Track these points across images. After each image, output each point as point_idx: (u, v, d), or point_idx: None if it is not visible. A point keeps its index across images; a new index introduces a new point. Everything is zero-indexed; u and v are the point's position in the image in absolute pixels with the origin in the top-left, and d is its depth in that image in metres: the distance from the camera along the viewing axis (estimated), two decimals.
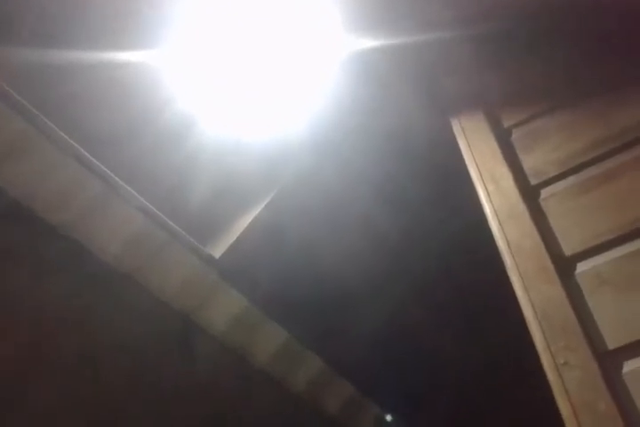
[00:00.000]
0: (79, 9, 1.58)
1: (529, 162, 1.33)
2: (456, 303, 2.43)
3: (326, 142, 1.91)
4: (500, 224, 1.25)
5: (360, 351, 2.40)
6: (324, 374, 2.29)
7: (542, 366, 1.05)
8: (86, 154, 1.54)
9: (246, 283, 1.94)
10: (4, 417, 1.32)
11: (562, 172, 1.27)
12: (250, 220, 1.93)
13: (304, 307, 2.17)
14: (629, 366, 0.98)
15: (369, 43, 1.61)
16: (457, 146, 1.48)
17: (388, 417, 2.63)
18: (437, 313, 2.44)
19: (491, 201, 1.30)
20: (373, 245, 2.18)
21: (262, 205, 1.96)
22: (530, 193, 1.27)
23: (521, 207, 1.25)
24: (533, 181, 1.29)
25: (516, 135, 1.41)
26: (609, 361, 1.00)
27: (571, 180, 1.25)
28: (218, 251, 1.89)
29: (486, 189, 1.33)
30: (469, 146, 1.44)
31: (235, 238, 1.91)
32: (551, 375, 1.02)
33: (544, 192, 1.26)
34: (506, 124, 1.44)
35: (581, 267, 1.12)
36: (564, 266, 1.13)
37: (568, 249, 1.15)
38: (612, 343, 1.01)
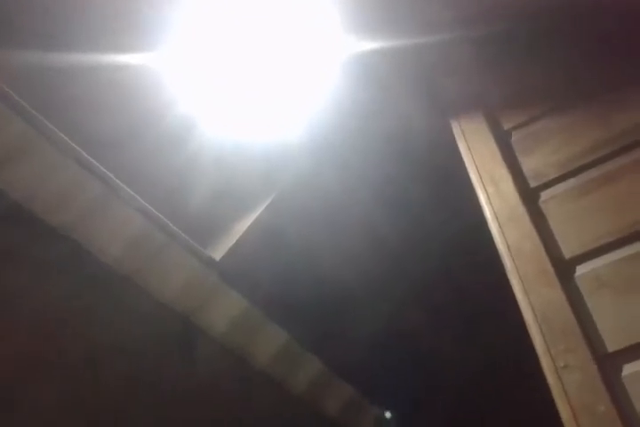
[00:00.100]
0: (80, 11, 1.58)
1: (529, 164, 1.33)
2: (455, 306, 2.43)
3: (326, 145, 1.91)
4: (499, 226, 1.25)
5: (360, 353, 2.40)
6: (324, 376, 2.29)
7: (541, 369, 1.05)
8: (86, 156, 1.54)
9: (246, 285, 1.94)
10: (4, 419, 1.32)
11: (561, 174, 1.27)
12: (250, 222, 1.93)
13: (304, 309, 2.17)
14: (629, 369, 0.98)
15: (369, 44, 1.61)
16: (457, 148, 1.49)
17: (388, 418, 2.63)
18: (437, 315, 2.44)
19: (490, 203, 1.30)
20: (373, 247, 2.19)
21: (262, 208, 1.96)
22: (529, 195, 1.27)
23: (521, 210, 1.25)
24: (533, 184, 1.29)
25: (515, 137, 1.41)
26: (608, 364, 1.00)
27: (570, 182, 1.25)
28: (218, 253, 1.89)
29: (486, 191, 1.33)
30: (469, 148, 1.44)
31: (235, 241, 1.91)
32: (551, 378, 1.02)
33: (544, 194, 1.27)
34: (506, 126, 1.44)
35: (581, 270, 1.12)
36: (563, 269, 1.13)
37: (568, 252, 1.15)
38: (611, 346, 1.01)
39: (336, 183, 2.00)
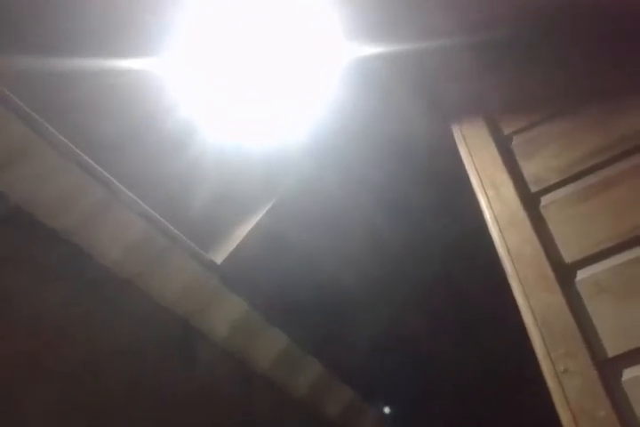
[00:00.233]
0: (82, 16, 1.58)
1: (529, 169, 1.33)
2: (456, 310, 2.43)
3: (327, 149, 1.92)
4: (500, 231, 1.25)
5: (360, 357, 2.40)
6: (324, 379, 2.29)
7: (541, 373, 1.05)
8: (88, 159, 1.54)
9: (247, 288, 1.94)
10: (4, 423, 1.32)
11: (562, 179, 1.27)
12: (251, 226, 1.94)
13: (305, 312, 2.17)
14: (629, 374, 0.98)
15: (370, 50, 1.61)
16: (458, 152, 1.49)
17: (388, 422, 2.63)
18: (437, 319, 2.45)
19: (491, 208, 1.31)
20: (374, 251, 2.19)
21: (263, 212, 1.96)
22: (530, 200, 1.28)
23: (521, 214, 1.25)
24: (534, 189, 1.29)
25: (516, 142, 1.41)
26: (608, 369, 1.00)
27: (571, 187, 1.25)
28: (219, 257, 1.90)
29: (487, 195, 1.33)
30: (470, 153, 1.45)
31: (236, 244, 1.91)
32: (551, 383, 1.03)
33: (544, 199, 1.27)
34: (506, 131, 1.44)
35: (581, 274, 1.12)
36: (563, 273, 1.13)
37: (568, 256, 1.15)
38: (611, 351, 1.01)
39: (337, 187, 2.00)
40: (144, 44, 1.62)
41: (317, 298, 2.16)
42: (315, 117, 1.85)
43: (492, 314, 2.09)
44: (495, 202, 1.30)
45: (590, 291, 1.09)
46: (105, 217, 1.60)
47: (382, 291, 2.32)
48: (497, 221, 1.27)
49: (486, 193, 1.34)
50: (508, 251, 1.21)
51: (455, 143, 1.51)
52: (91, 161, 1.55)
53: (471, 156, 1.43)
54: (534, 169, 1.32)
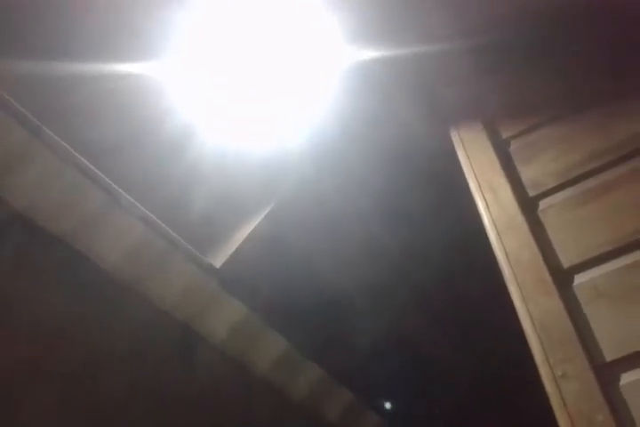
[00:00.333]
0: (81, 20, 1.59)
1: (527, 173, 1.34)
2: (455, 313, 2.43)
3: (327, 153, 1.92)
4: (498, 235, 1.26)
5: (360, 360, 2.40)
6: (324, 383, 2.30)
7: (540, 376, 1.05)
8: (87, 164, 1.55)
9: (247, 292, 1.95)
10: (4, 425, 1.32)
11: (560, 183, 1.27)
12: (250, 229, 1.94)
13: (304, 316, 2.17)
14: (626, 378, 0.99)
15: (370, 54, 1.61)
16: (456, 156, 1.49)
17: (387, 425, 2.63)
18: (436, 323, 2.45)
19: (489, 212, 1.31)
20: (373, 254, 2.19)
21: (262, 215, 1.96)
22: (528, 204, 1.28)
23: (519, 218, 1.25)
24: (532, 193, 1.30)
25: (514, 146, 1.41)
26: (606, 373, 1.00)
27: (569, 191, 1.25)
28: (218, 260, 1.90)
29: (485, 199, 1.34)
30: (468, 156, 1.45)
31: (235, 248, 1.92)
32: (549, 387, 1.03)
33: (542, 203, 1.27)
34: (504, 135, 1.45)
35: (579, 279, 1.12)
36: (561, 278, 1.13)
37: (566, 261, 1.16)
38: (609, 355, 1.02)
39: (336, 191, 2.00)
40: (143, 48, 1.63)
41: (317, 301, 2.17)
42: (314, 121, 1.85)
43: (492, 317, 2.09)
44: (493, 206, 1.31)
45: (588, 295, 1.09)
46: (105, 221, 1.60)
47: (381, 294, 2.32)
48: (495, 226, 1.27)
49: (484, 197, 1.34)
50: (506, 255, 1.21)
51: (454, 147, 1.51)
52: (90, 165, 1.55)
53: (469, 159, 1.43)
54: (532, 173, 1.33)
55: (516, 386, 2.20)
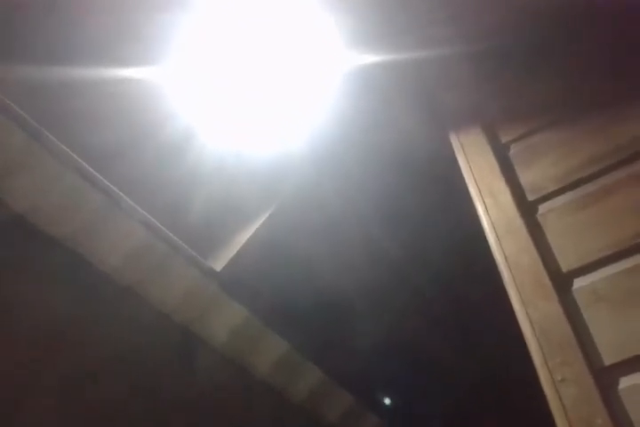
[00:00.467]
0: (81, 25, 1.59)
1: (527, 177, 1.33)
2: (455, 316, 2.44)
3: (327, 156, 1.92)
4: (497, 239, 1.26)
5: (359, 362, 2.40)
6: (324, 385, 2.30)
7: (539, 379, 1.06)
8: (88, 167, 1.55)
9: (247, 295, 1.95)
10: None
11: (559, 187, 1.27)
12: (250, 233, 1.94)
13: (305, 319, 2.18)
14: (625, 383, 0.99)
15: (370, 58, 1.62)
16: (456, 160, 1.49)
17: (387, 426, 2.63)
18: (436, 325, 2.45)
19: (489, 216, 1.31)
20: (373, 257, 2.19)
21: (263, 219, 1.97)
22: (527, 208, 1.28)
23: (518, 222, 1.25)
24: (531, 197, 1.29)
25: (513, 150, 1.41)
26: (605, 377, 1.00)
27: (568, 196, 1.25)
28: (219, 264, 1.90)
29: (484, 203, 1.33)
30: (468, 161, 1.45)
31: (235, 251, 1.92)
32: (548, 391, 1.03)
33: (541, 208, 1.27)
34: (504, 139, 1.44)
35: (578, 283, 1.12)
36: (561, 282, 1.13)
37: (565, 265, 1.15)
38: (608, 359, 1.01)
39: (336, 195, 2.01)
40: (143, 52, 1.63)
41: (317, 304, 2.17)
42: (314, 125, 1.86)
43: (492, 320, 2.09)
44: (493, 210, 1.31)
45: (587, 299, 1.09)
46: (105, 225, 1.61)
47: (381, 297, 2.32)
48: (494, 230, 1.27)
49: (484, 201, 1.34)
50: (506, 259, 1.21)
51: (453, 151, 1.51)
52: (91, 169, 1.55)
53: (469, 164, 1.43)
54: (532, 177, 1.33)
55: (516, 388, 2.20)
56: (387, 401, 2.70)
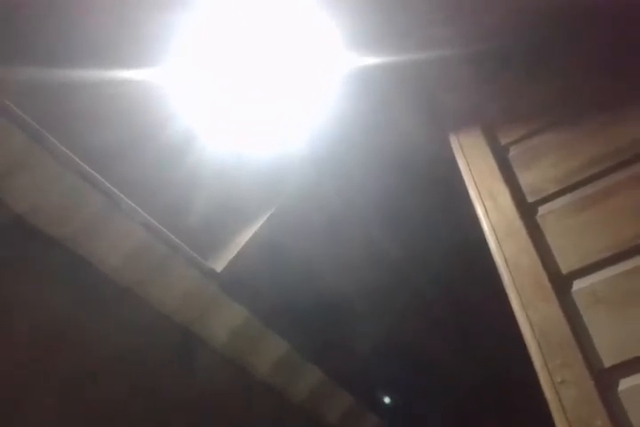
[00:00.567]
0: (81, 27, 1.59)
1: (526, 179, 1.33)
2: (455, 317, 2.44)
3: (327, 158, 1.93)
4: (497, 241, 1.26)
5: (359, 363, 2.41)
6: (324, 385, 2.30)
7: (539, 381, 1.06)
8: (88, 168, 1.55)
9: (247, 296, 1.95)
10: None
11: (559, 189, 1.27)
12: (251, 234, 1.94)
13: (305, 319, 2.18)
14: (625, 384, 0.98)
15: (370, 59, 1.62)
16: (456, 162, 1.49)
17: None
18: (436, 327, 2.45)
19: (488, 218, 1.31)
20: (373, 258, 2.19)
21: (263, 220, 1.97)
22: (527, 210, 1.28)
23: (518, 224, 1.25)
24: (531, 199, 1.29)
25: (513, 152, 1.41)
26: (605, 379, 1.00)
27: (568, 197, 1.25)
28: (219, 265, 1.90)
29: (484, 205, 1.33)
30: (467, 162, 1.45)
31: (236, 252, 1.92)
32: (548, 392, 1.03)
33: (541, 209, 1.27)
34: (503, 141, 1.44)
35: (578, 284, 1.12)
36: (560, 284, 1.13)
37: (565, 267, 1.15)
38: (607, 361, 1.01)
39: (336, 196, 2.01)
40: (144, 54, 1.63)
41: (317, 305, 2.17)
42: (314, 126, 1.86)
43: (492, 321, 2.10)
44: (492, 212, 1.31)
45: (587, 301, 1.09)
46: (105, 226, 1.61)
47: (381, 298, 2.32)
48: (494, 231, 1.27)
49: (484, 203, 1.34)
50: (506, 261, 1.21)
51: (453, 153, 1.51)
52: (91, 170, 1.56)
53: (469, 166, 1.43)
54: (531, 179, 1.33)
55: (516, 389, 2.20)
56: (387, 402, 2.70)
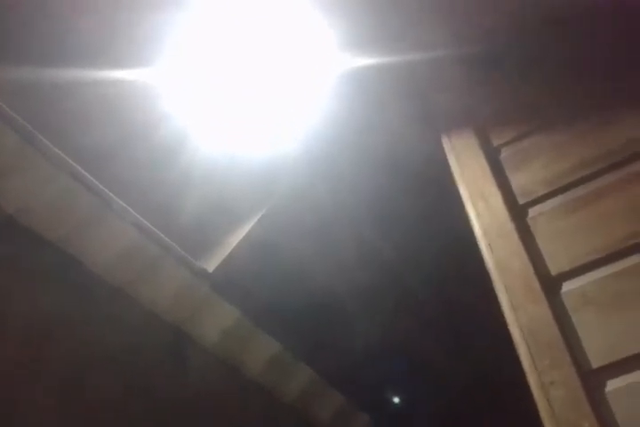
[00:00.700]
0: (74, 27, 1.59)
1: (517, 181, 1.34)
2: (447, 317, 2.44)
3: (320, 158, 1.93)
4: (488, 243, 1.26)
5: (351, 363, 2.41)
6: (315, 385, 2.30)
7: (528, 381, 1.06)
8: (81, 169, 1.55)
9: (239, 296, 1.95)
10: None
11: (550, 191, 1.27)
12: (243, 234, 1.94)
13: (296, 319, 2.18)
14: (612, 385, 0.99)
15: (363, 61, 1.62)
16: (448, 163, 1.50)
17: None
18: (428, 327, 2.45)
19: (480, 219, 1.31)
20: (365, 259, 2.20)
21: (255, 220, 1.97)
22: (518, 212, 1.28)
23: (509, 226, 1.25)
24: (521, 200, 1.30)
25: (505, 154, 1.41)
26: (593, 380, 1.00)
27: (558, 199, 1.25)
28: (211, 265, 1.90)
29: (475, 207, 1.34)
30: (459, 164, 1.45)
31: (228, 253, 1.92)
32: (537, 394, 1.03)
33: (532, 211, 1.27)
34: (495, 142, 1.45)
35: (567, 286, 1.12)
36: (550, 285, 1.13)
37: (554, 268, 1.16)
38: (595, 362, 1.02)
39: (329, 196, 2.01)
40: (137, 54, 1.63)
41: (309, 305, 2.17)
42: (307, 127, 1.86)
43: (483, 322, 2.10)
44: (484, 213, 1.31)
45: (576, 303, 1.09)
46: (97, 226, 1.61)
47: (373, 298, 2.32)
48: (485, 233, 1.28)
49: (475, 204, 1.34)
50: (496, 263, 1.22)
51: (445, 154, 1.52)
52: (83, 171, 1.55)
53: (460, 167, 1.44)
54: (522, 181, 1.33)
55: (507, 390, 2.21)
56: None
